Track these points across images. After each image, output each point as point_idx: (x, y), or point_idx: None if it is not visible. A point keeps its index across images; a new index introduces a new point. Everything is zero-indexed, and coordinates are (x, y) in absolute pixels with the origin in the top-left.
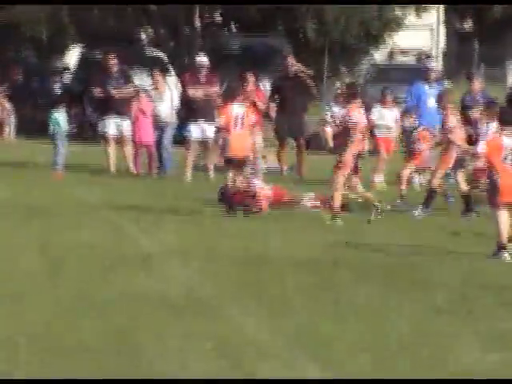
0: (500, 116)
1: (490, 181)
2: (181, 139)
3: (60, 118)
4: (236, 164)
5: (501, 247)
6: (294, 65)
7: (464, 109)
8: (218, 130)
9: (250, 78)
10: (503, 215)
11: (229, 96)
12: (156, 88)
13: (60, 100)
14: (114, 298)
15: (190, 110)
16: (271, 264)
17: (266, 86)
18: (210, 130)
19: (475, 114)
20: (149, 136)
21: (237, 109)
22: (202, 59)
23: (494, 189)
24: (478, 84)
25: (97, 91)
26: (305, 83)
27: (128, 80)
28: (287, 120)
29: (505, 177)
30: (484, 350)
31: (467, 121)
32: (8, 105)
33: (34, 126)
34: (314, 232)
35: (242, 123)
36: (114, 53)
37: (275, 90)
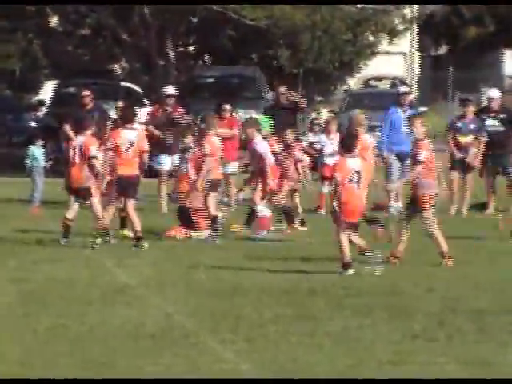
0: (341, 141)
1: (335, 201)
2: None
3: (36, 152)
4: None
5: (345, 265)
6: (285, 94)
7: (455, 133)
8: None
9: (227, 108)
10: (343, 235)
11: (205, 126)
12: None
13: (36, 135)
14: (91, 330)
15: (158, 143)
16: (247, 294)
17: (240, 114)
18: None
19: (467, 139)
20: None
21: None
22: (169, 90)
23: (337, 208)
24: (471, 110)
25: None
26: (295, 113)
27: (104, 114)
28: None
29: (349, 197)
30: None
31: (457, 145)
32: None
33: (8, 162)
34: (287, 260)
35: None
36: (88, 88)
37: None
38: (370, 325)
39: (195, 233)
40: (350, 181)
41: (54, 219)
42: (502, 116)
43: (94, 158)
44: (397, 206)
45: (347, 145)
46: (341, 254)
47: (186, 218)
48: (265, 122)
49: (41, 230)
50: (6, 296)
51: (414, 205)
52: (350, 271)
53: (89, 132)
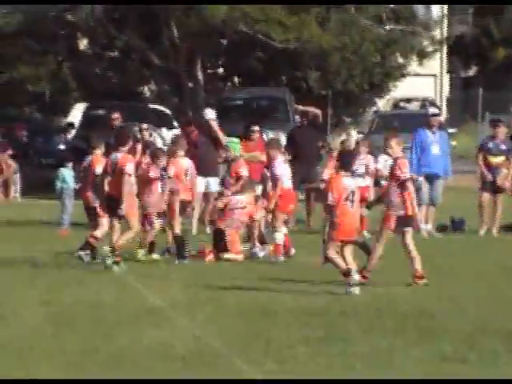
0: (338, 160)
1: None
2: None
3: (66, 175)
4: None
5: (345, 273)
6: (303, 110)
7: (485, 153)
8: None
9: (256, 130)
10: (332, 251)
11: (174, 147)
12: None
13: (66, 157)
14: (120, 351)
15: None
16: (277, 315)
17: (268, 136)
18: (213, 184)
19: (497, 160)
20: None
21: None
22: (210, 113)
23: (333, 226)
24: (503, 130)
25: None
26: (318, 132)
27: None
28: (300, 170)
29: (344, 216)
30: None
31: (487, 166)
32: (13, 163)
33: (39, 185)
34: (316, 282)
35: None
36: (117, 110)
37: (290, 140)
38: (401, 346)
39: (228, 255)
40: (346, 199)
41: (82, 241)
42: None
43: (129, 175)
44: (426, 227)
45: (344, 163)
46: (337, 267)
47: (218, 240)
48: (235, 144)
49: (69, 252)
50: (35, 317)
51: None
52: (356, 276)
53: (125, 149)
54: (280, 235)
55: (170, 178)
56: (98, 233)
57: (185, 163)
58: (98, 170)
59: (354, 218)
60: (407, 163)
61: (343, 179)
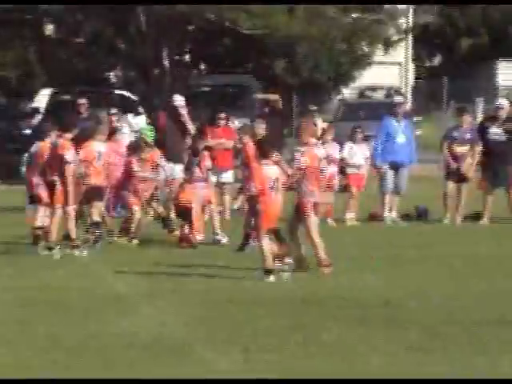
0: (257, 149)
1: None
2: None
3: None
4: None
5: (267, 271)
6: (263, 97)
7: (450, 142)
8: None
9: (222, 116)
10: (265, 240)
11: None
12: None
13: (31, 142)
14: (86, 339)
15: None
16: (242, 304)
17: (235, 123)
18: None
19: (462, 149)
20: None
21: None
22: (179, 99)
23: (257, 215)
24: (468, 119)
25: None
26: (280, 119)
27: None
28: None
29: (268, 204)
30: None
31: (452, 155)
32: None
33: (3, 169)
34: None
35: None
36: (83, 96)
37: None
38: (365, 335)
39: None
40: (271, 188)
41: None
42: (508, 125)
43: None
44: (391, 216)
45: (263, 151)
46: (263, 259)
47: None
48: (147, 131)
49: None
50: (1, 303)
51: (297, 213)
52: (272, 278)
53: (68, 136)
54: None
55: (78, 162)
56: (39, 222)
57: (97, 147)
58: (69, 156)
59: (278, 205)
60: (312, 152)
61: (264, 169)
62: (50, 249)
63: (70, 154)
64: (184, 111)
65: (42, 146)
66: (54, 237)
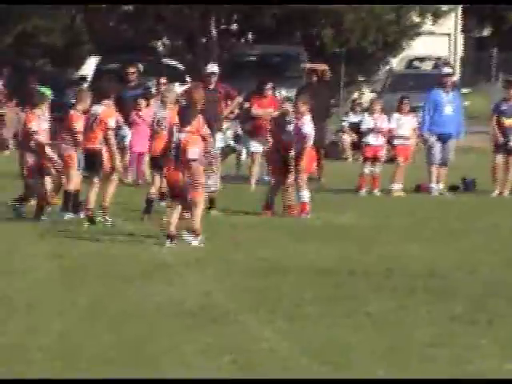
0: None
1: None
2: None
3: (78, 127)
4: None
5: (169, 236)
6: (310, 67)
7: (499, 115)
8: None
9: (268, 87)
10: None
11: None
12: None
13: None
14: (130, 307)
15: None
16: (287, 273)
17: (282, 93)
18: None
19: (511, 122)
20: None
21: None
22: (213, 68)
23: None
24: None
25: None
26: (327, 89)
27: (147, 91)
28: None
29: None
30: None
31: (501, 128)
32: (23, 115)
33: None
34: (328, 241)
35: None
36: (132, 64)
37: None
38: (410, 306)
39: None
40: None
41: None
42: None
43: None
44: (438, 187)
45: (182, 119)
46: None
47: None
48: (44, 90)
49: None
50: (45, 271)
51: None
52: (168, 244)
53: (107, 102)
54: (306, 193)
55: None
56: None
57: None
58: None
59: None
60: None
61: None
62: (92, 220)
63: (112, 121)
64: (214, 79)
65: (29, 117)
66: (106, 203)
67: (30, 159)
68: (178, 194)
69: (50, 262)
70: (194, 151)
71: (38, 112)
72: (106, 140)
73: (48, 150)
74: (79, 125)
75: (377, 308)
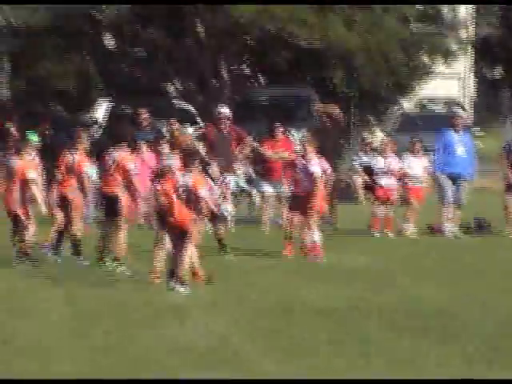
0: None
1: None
2: None
3: (90, 170)
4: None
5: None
6: (322, 109)
7: (509, 155)
8: None
9: (280, 129)
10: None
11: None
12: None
13: (90, 153)
14: (144, 352)
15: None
16: (301, 315)
17: (294, 135)
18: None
19: None
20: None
21: None
22: (225, 110)
23: None
24: None
25: None
26: (339, 131)
27: (159, 133)
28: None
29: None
30: None
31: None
32: (37, 159)
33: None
34: (342, 282)
35: None
36: (144, 107)
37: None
38: (423, 346)
39: None
40: (178, 197)
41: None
42: None
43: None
44: (451, 228)
45: (188, 161)
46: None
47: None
48: (35, 138)
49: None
50: (58, 315)
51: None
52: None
53: (124, 145)
54: (318, 234)
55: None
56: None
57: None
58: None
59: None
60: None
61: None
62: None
63: (132, 164)
64: (226, 121)
65: (22, 164)
66: (122, 251)
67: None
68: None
69: (63, 306)
70: (204, 190)
71: (26, 157)
72: (129, 183)
73: (36, 191)
74: (86, 168)
75: (390, 349)
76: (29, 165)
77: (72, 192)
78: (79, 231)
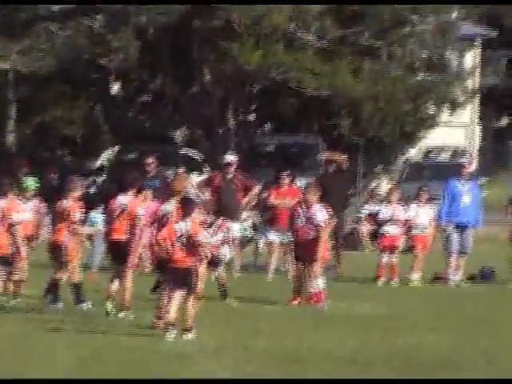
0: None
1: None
2: None
3: (97, 218)
4: None
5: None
6: (329, 157)
7: None
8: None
9: (286, 176)
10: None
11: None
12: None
13: (96, 200)
14: None
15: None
16: (306, 363)
17: (301, 183)
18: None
19: None
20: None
21: None
22: (231, 157)
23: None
24: None
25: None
26: (345, 179)
27: (165, 181)
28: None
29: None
30: None
31: None
32: (42, 206)
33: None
34: (347, 330)
35: None
36: (150, 154)
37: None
38: None
39: None
40: (177, 241)
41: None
42: None
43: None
44: (455, 277)
45: (187, 211)
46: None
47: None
48: (32, 184)
49: (100, 296)
50: (64, 360)
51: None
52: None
53: (132, 192)
54: (322, 282)
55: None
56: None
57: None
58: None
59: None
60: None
61: (175, 224)
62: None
63: (142, 210)
64: (232, 169)
65: (9, 205)
66: (127, 300)
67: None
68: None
69: (67, 352)
70: (204, 235)
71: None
72: (133, 230)
73: (18, 240)
74: (78, 215)
75: None
76: (15, 207)
77: (64, 238)
78: (77, 276)
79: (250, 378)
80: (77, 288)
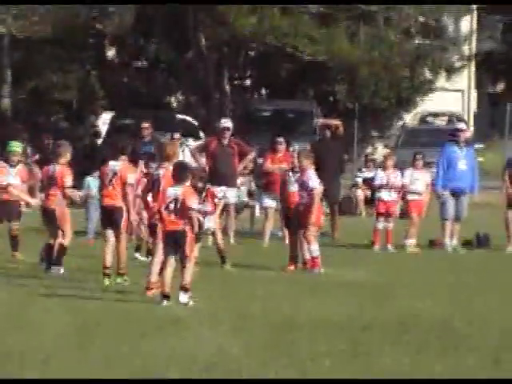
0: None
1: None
2: None
3: (92, 183)
4: None
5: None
6: (324, 123)
7: (511, 170)
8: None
9: (281, 142)
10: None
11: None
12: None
13: (91, 165)
14: (143, 362)
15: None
16: (301, 328)
17: (295, 149)
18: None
19: None
20: None
21: None
22: (227, 123)
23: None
24: None
25: None
26: (341, 145)
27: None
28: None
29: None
30: None
31: None
32: (37, 170)
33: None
34: (342, 296)
35: None
36: (147, 119)
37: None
38: (424, 361)
39: None
40: (166, 208)
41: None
42: None
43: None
44: (451, 243)
45: (180, 177)
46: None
47: None
48: (16, 148)
49: (96, 261)
50: (60, 325)
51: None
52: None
53: (124, 158)
54: (316, 247)
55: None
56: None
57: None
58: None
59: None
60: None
61: (168, 190)
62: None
63: (132, 177)
64: (228, 134)
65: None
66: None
67: None
68: (174, 245)
69: (64, 317)
70: (194, 201)
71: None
72: (124, 196)
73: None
74: (70, 179)
75: (391, 362)
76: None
77: (55, 203)
78: (68, 241)
79: (249, 378)
80: (61, 250)
